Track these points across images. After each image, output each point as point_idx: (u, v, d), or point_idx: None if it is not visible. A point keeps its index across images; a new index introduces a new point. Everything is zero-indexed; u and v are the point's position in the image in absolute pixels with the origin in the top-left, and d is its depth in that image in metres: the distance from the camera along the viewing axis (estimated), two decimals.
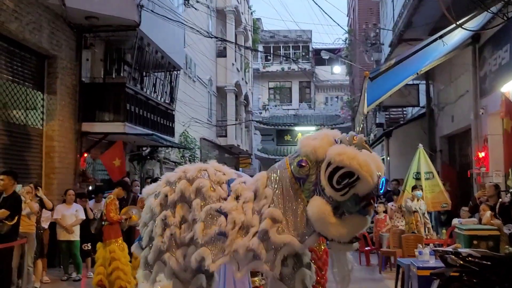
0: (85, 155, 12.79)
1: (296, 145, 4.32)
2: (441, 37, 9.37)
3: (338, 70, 35.80)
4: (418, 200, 10.68)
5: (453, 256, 6.12)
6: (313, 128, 32.29)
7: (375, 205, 8.46)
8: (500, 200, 8.09)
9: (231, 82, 27.50)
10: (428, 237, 10.29)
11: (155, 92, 16.04)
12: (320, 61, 37.61)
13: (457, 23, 8.54)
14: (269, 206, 4.10)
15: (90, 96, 12.79)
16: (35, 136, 11.43)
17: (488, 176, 10.19)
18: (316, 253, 6.29)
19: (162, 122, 15.92)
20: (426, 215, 10.79)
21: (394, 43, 14.40)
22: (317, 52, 34.27)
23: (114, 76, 14.48)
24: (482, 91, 10.74)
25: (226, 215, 4.19)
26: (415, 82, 16.17)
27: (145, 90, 15.14)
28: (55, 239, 10.11)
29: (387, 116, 20.20)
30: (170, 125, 16.87)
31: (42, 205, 9.14)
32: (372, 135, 22.33)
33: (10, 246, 7.54)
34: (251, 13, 34.88)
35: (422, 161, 11.73)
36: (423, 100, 16.36)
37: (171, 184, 4.54)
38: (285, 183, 4.12)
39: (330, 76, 40.40)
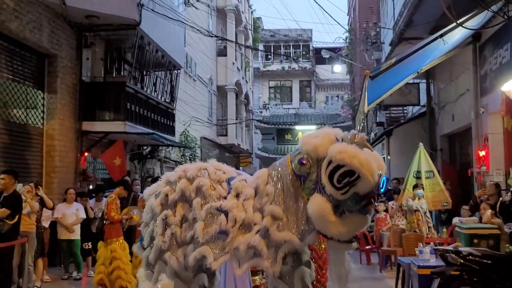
0: (86, 154, 12.79)
1: (296, 144, 4.31)
2: (441, 36, 9.36)
3: (338, 69, 35.85)
4: (419, 199, 10.69)
5: (454, 255, 6.12)
6: (314, 127, 32.27)
7: (376, 204, 8.48)
8: (501, 199, 8.09)
9: (232, 81, 27.51)
10: (429, 236, 10.29)
11: (155, 91, 16.04)
12: (320, 60, 37.63)
13: (458, 22, 8.53)
14: (270, 204, 4.10)
15: (90, 95, 12.79)
16: (36, 135, 11.43)
17: (489, 175, 10.19)
18: (316, 252, 6.28)
19: (162, 121, 15.93)
20: (427, 214, 10.79)
21: (395, 42, 14.40)
22: (318, 51, 34.25)
23: (114, 75, 14.48)
24: (483, 90, 10.74)
25: (226, 214, 4.19)
26: (416, 81, 16.17)
27: (145, 89, 15.13)
28: (56, 238, 10.12)
29: (388, 115, 20.20)
30: (171, 124, 16.87)
31: (42, 204, 9.16)
32: (372, 134, 22.33)
33: (10, 245, 7.55)
34: (252, 12, 34.89)
35: (422, 160, 11.74)
36: (423, 99, 16.35)
37: (171, 184, 4.53)
38: (286, 180, 4.11)
39: (330, 75, 40.45)
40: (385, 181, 15.03)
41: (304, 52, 41.38)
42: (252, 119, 35.48)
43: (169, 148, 18.64)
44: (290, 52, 40.78)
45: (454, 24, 8.70)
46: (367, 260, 11.82)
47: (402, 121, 19.06)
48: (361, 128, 19.75)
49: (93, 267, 9.20)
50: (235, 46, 27.27)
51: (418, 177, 11.55)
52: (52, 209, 9.70)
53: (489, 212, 7.84)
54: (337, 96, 41.95)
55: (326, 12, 36.67)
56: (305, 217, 4.02)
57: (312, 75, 40.89)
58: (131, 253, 8.21)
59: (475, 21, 9.29)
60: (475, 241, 7.08)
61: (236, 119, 28.31)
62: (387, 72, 10.21)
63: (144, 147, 16.82)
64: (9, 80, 10.61)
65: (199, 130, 22.46)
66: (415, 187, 10.93)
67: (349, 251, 4.13)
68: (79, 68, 12.63)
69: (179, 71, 17.64)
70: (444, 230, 10.71)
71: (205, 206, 4.29)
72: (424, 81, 15.96)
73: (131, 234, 9.31)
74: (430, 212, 11.30)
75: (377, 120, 20.57)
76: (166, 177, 4.66)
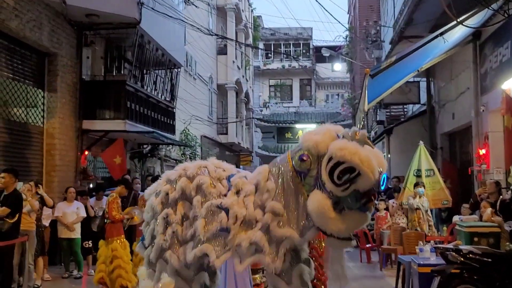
0: (86, 152, 12.79)
1: (296, 142, 4.31)
2: (441, 34, 9.38)
3: (338, 68, 35.79)
4: (420, 197, 10.68)
5: (454, 253, 6.14)
6: (314, 125, 32.21)
7: (376, 202, 8.48)
8: (501, 197, 8.09)
9: (232, 79, 27.51)
10: (430, 234, 10.30)
11: (155, 89, 16.04)
12: (320, 59, 37.58)
13: (458, 20, 8.54)
14: (271, 200, 4.10)
15: (90, 94, 12.78)
16: (36, 134, 11.43)
17: (489, 173, 10.19)
18: (317, 250, 6.28)
19: (162, 119, 15.92)
20: (428, 212, 10.79)
21: (395, 40, 14.41)
22: (318, 49, 34.27)
23: (114, 74, 14.47)
24: (483, 88, 10.73)
25: (227, 211, 4.19)
26: (416, 79, 16.17)
27: (145, 87, 15.13)
28: (56, 237, 10.13)
29: (388, 113, 20.20)
30: (171, 122, 16.87)
31: (42, 202, 9.15)
32: (372, 133, 22.32)
33: (11, 244, 7.55)
34: (252, 11, 34.88)
35: (422, 158, 11.73)
36: (423, 97, 16.35)
37: (172, 182, 4.54)
38: (286, 176, 4.11)
39: (330, 74, 40.40)
40: (385, 179, 15.05)
41: (304, 51, 41.38)
42: (252, 118, 35.48)
43: (170, 147, 18.65)
44: (290, 51, 40.78)
45: (454, 22, 8.71)
46: (367, 259, 11.82)
47: (402, 119, 19.06)
48: (361, 126, 19.73)
49: (94, 266, 9.21)
50: (235, 44, 27.26)
51: (418, 176, 11.54)
52: (53, 207, 9.70)
53: (489, 210, 7.84)
54: (337, 95, 41.91)
55: (326, 10, 36.61)
56: (305, 213, 4.02)
57: (312, 74, 40.87)
58: (131, 252, 8.23)
59: (475, 19, 9.30)
60: (476, 239, 7.08)
61: (237, 117, 28.30)
62: (387, 70, 10.23)
63: (144, 146, 16.82)
64: (9, 79, 10.61)
65: (199, 128, 22.47)
66: (416, 185, 10.92)
67: (348, 248, 4.12)
68: (79, 66, 12.62)
69: (179, 69, 17.64)
70: (445, 228, 10.71)
71: (205, 204, 4.29)
72: (425, 79, 15.96)
73: (131, 233, 9.33)
74: (431, 210, 11.30)
75: (378, 119, 20.57)
76: (166, 176, 4.66)
